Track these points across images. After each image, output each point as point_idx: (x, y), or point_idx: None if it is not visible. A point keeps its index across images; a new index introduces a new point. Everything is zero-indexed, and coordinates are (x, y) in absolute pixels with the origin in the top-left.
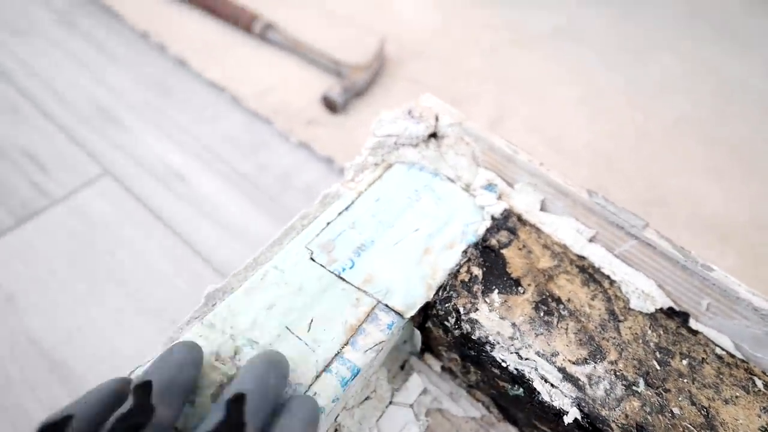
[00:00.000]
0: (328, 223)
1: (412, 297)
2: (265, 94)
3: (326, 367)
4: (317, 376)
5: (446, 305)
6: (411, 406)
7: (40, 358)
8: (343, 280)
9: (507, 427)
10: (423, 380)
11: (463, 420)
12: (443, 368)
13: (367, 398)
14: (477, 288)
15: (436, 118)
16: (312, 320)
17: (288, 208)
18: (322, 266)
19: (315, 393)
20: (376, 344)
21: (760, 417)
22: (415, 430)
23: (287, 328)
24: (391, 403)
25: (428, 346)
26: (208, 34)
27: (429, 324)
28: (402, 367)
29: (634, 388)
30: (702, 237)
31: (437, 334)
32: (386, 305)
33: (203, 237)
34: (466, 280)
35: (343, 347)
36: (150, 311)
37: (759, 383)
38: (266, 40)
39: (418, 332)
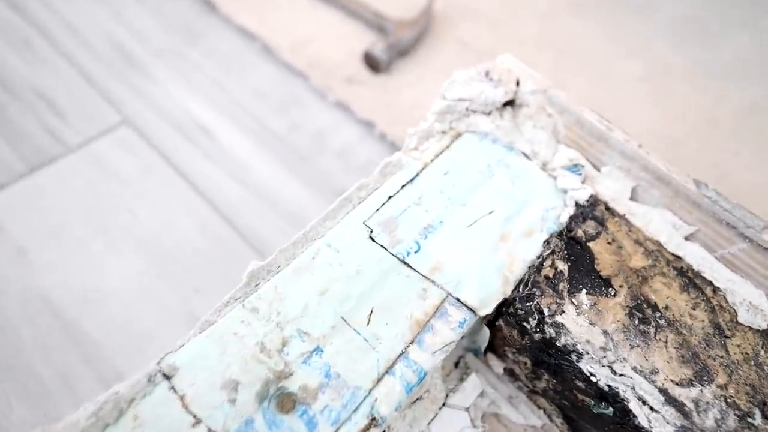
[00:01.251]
0: (390, 197)
1: (487, 291)
2: (302, 45)
3: (389, 369)
4: (379, 379)
5: (527, 304)
6: (467, 409)
7: (53, 318)
8: (408, 265)
9: None
10: (481, 381)
11: (521, 427)
12: (505, 370)
13: (419, 399)
14: (563, 286)
15: (517, 83)
16: (372, 311)
17: (322, 172)
18: (383, 248)
19: (376, 399)
20: (446, 345)
21: None
22: None
23: (343, 318)
24: (444, 404)
25: (491, 345)
26: None
27: (500, 322)
28: (456, 365)
29: (749, 419)
30: None
31: (509, 333)
32: (457, 299)
33: (229, 199)
34: (551, 275)
35: (408, 346)
36: (171, 276)
37: None
38: None
39: (486, 330)
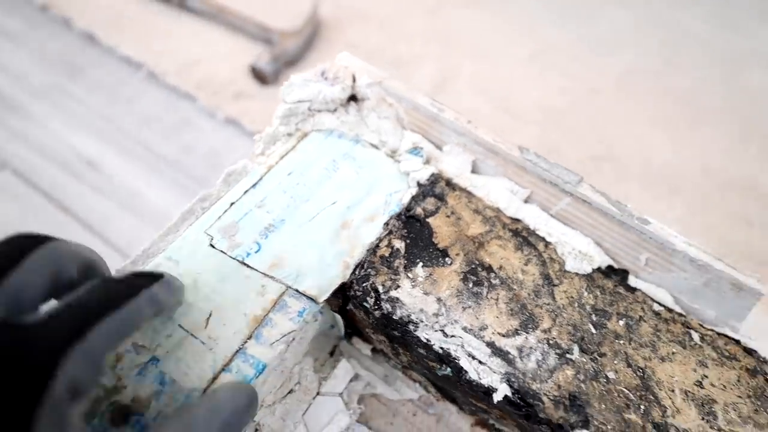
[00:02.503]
0: (232, 204)
1: (327, 279)
2: (187, 67)
3: (225, 366)
4: (214, 378)
5: (364, 285)
6: (340, 394)
7: None
8: (247, 266)
9: (446, 405)
10: (354, 365)
11: (399, 403)
12: (374, 350)
13: (290, 392)
14: (399, 263)
15: (353, 79)
16: (210, 314)
17: None
18: (223, 252)
19: None
20: (285, 335)
21: (695, 371)
22: (345, 419)
23: (180, 326)
24: (318, 393)
25: (355, 329)
26: (119, 5)
27: (350, 306)
28: (332, 354)
29: (568, 356)
30: (652, 189)
31: (359, 315)
32: (296, 290)
33: (122, 231)
34: (387, 255)
35: (245, 342)
36: None
37: (695, 336)
38: (186, 8)
39: (338, 317)
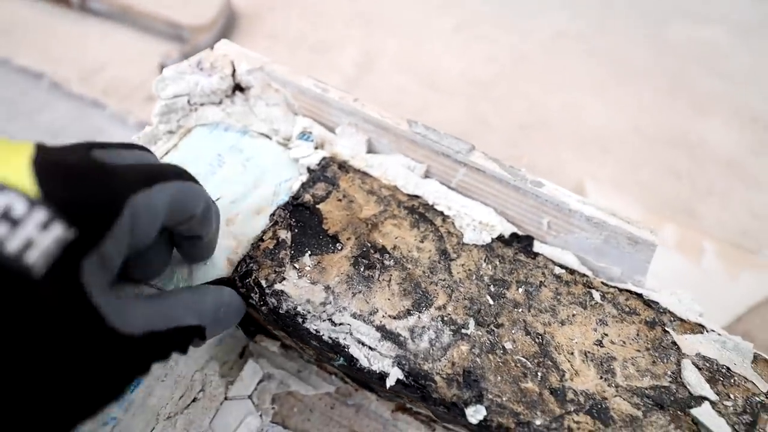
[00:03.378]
0: None
1: (211, 278)
2: (93, 73)
3: None
4: None
5: (246, 281)
6: (249, 396)
7: None
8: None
9: (365, 394)
10: (263, 365)
11: (316, 398)
12: (284, 346)
13: (194, 400)
14: (284, 254)
15: (233, 67)
16: None
17: None
18: None
19: None
20: None
21: (596, 330)
22: (255, 422)
23: None
24: (226, 398)
25: (259, 327)
26: (14, 13)
27: None
28: (242, 355)
29: (463, 331)
30: (583, 151)
31: (254, 313)
32: None
33: None
34: (271, 247)
35: None
36: None
37: (596, 295)
38: (88, 10)
39: None
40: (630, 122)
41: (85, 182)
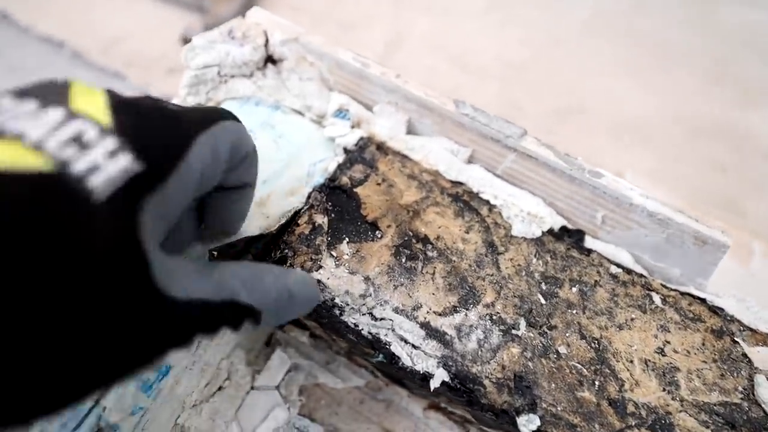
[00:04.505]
0: None
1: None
2: (114, 44)
3: None
4: None
5: None
6: (277, 387)
7: None
8: None
9: (396, 390)
10: (291, 355)
11: (344, 391)
12: (313, 336)
13: (219, 389)
14: (321, 240)
15: (266, 37)
16: None
17: None
18: None
19: (105, 408)
20: None
21: (656, 337)
22: (282, 414)
23: None
24: (252, 388)
25: None
26: None
27: None
28: (268, 344)
29: (513, 332)
30: (622, 140)
31: None
32: None
33: None
34: (307, 232)
35: None
36: None
37: (657, 299)
38: None
39: None
40: (672, 111)
41: (155, 120)
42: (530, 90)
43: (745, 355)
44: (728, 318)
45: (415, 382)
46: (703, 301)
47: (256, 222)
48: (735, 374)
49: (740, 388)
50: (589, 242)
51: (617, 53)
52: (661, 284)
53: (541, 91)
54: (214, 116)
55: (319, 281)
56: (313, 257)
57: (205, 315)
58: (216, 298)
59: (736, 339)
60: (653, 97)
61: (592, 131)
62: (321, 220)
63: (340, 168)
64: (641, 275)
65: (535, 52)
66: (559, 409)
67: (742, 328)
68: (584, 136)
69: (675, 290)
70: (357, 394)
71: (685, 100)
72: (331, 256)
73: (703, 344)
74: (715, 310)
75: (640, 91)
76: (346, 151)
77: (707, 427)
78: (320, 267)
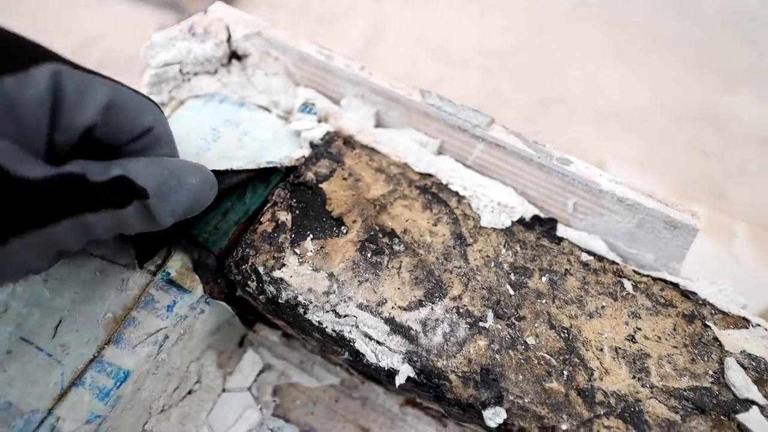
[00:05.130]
0: None
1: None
2: (88, 44)
3: (75, 380)
4: (62, 395)
5: (242, 267)
6: (249, 388)
7: None
8: (104, 258)
9: (372, 387)
10: (264, 355)
11: (319, 390)
12: (286, 335)
13: (189, 393)
14: (284, 238)
15: (228, 32)
16: (61, 321)
17: None
18: None
19: (58, 418)
20: (151, 335)
21: (627, 324)
22: (255, 416)
23: (23, 338)
24: (224, 390)
25: (258, 315)
26: None
27: (239, 292)
28: (241, 344)
29: (480, 324)
30: (604, 127)
31: (251, 301)
32: (168, 280)
33: None
34: (270, 230)
35: (102, 349)
36: None
37: (628, 285)
38: None
39: (225, 306)
40: (655, 97)
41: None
42: (513, 80)
43: (716, 338)
44: (700, 302)
45: (382, 378)
46: (675, 285)
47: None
48: (705, 358)
49: (711, 372)
50: (561, 231)
51: (599, 42)
52: (633, 270)
53: (524, 80)
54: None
55: (282, 279)
56: (275, 255)
57: (64, 188)
58: (76, 171)
59: (707, 323)
60: (637, 85)
61: (575, 120)
62: (284, 217)
63: (306, 164)
64: (613, 262)
65: (517, 41)
66: (526, 401)
67: (713, 311)
68: (568, 124)
69: (647, 276)
70: (332, 392)
71: (668, 86)
72: (295, 253)
73: (674, 329)
74: (687, 295)
75: (623, 79)
76: (312, 145)
77: (676, 413)
78: (283, 265)
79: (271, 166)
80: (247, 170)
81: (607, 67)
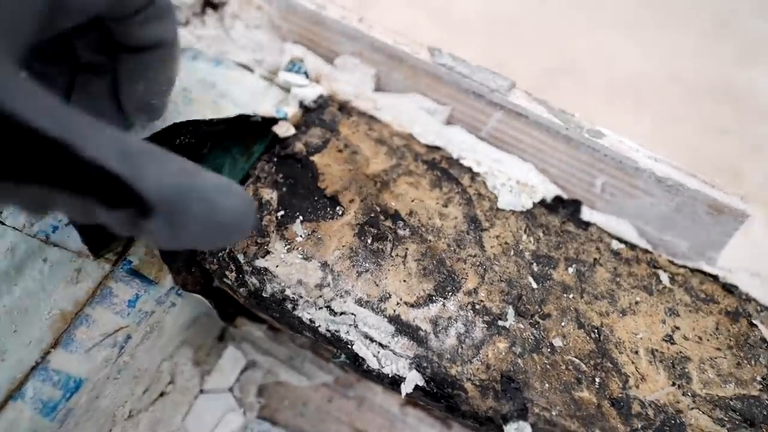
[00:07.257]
0: None
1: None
2: None
3: (14, 393)
4: None
5: (219, 255)
6: (230, 389)
7: None
8: (55, 245)
9: (369, 385)
10: (247, 351)
11: (311, 389)
12: (273, 329)
13: (161, 395)
14: (269, 220)
15: None
16: None
17: None
18: (17, 230)
19: None
20: (109, 335)
21: (664, 323)
22: (237, 419)
23: None
24: (202, 391)
25: (240, 308)
26: None
27: (217, 283)
28: (221, 338)
29: (500, 323)
30: (616, 102)
31: (231, 294)
32: (130, 270)
33: None
34: None
35: (46, 354)
36: None
37: (664, 278)
38: None
39: (201, 298)
40: (669, 69)
41: None
42: (518, 47)
43: (763, 339)
44: (743, 297)
45: (385, 385)
46: (715, 278)
47: None
48: (753, 362)
49: (759, 378)
50: (586, 214)
51: (611, 9)
52: (669, 261)
53: (531, 48)
54: None
55: (266, 269)
56: (258, 241)
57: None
58: (57, 134)
59: (753, 321)
60: (649, 56)
61: (584, 92)
62: (269, 195)
63: (295, 134)
64: (646, 251)
65: (524, 6)
66: (553, 413)
67: (759, 308)
68: (576, 97)
69: (684, 267)
70: (325, 392)
71: (683, 58)
72: (282, 238)
73: (717, 329)
74: (729, 289)
75: (634, 49)
76: (302, 107)
77: (723, 425)
78: (267, 252)
79: (247, 117)
80: (217, 120)
81: (619, 37)
